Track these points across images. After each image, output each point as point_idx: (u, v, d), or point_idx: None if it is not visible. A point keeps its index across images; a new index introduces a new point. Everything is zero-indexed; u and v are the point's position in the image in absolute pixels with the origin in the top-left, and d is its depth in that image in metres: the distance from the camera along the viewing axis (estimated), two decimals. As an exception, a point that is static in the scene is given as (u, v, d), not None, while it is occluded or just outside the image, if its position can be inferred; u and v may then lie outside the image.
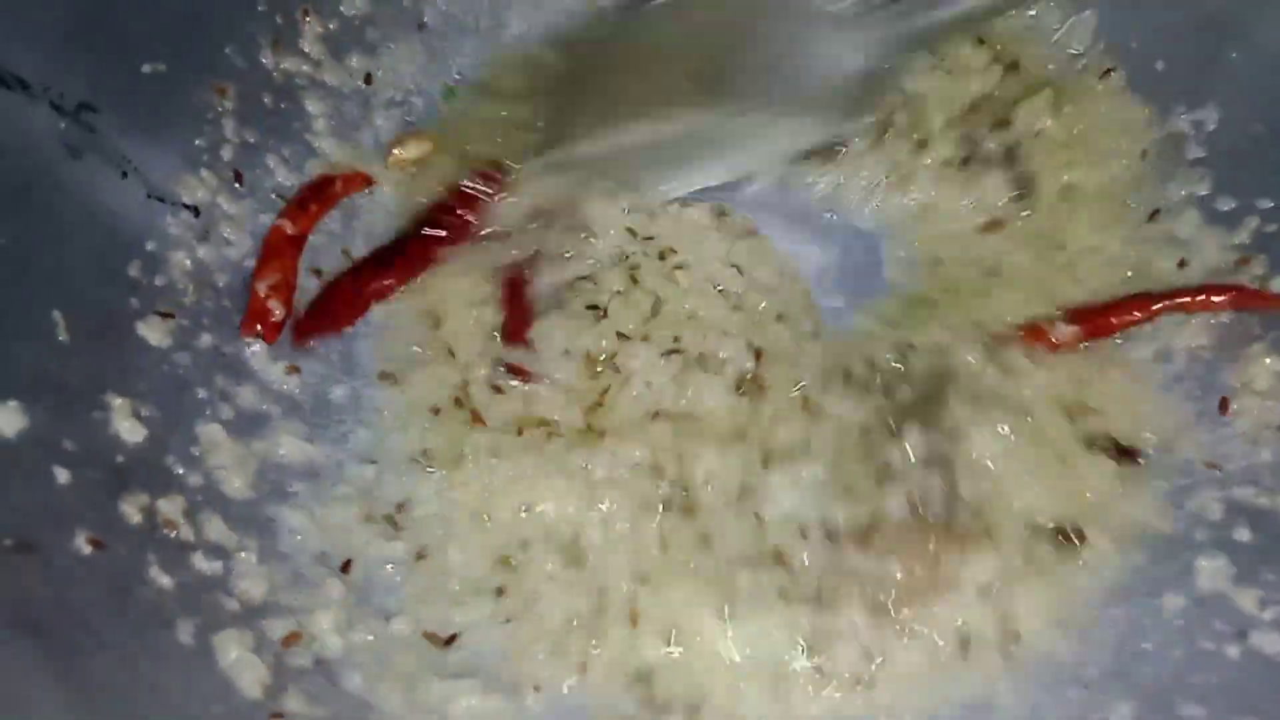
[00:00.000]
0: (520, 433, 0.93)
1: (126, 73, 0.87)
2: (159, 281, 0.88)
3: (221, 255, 0.93)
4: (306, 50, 1.01)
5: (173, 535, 0.79)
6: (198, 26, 0.92)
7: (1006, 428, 0.90)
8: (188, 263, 0.90)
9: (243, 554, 0.82)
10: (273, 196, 0.98)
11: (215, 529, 0.81)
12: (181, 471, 0.82)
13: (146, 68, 0.89)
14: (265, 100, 0.98)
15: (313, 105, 1.02)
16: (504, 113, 1.06)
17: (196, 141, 0.93)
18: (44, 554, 0.70)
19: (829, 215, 1.04)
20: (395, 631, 0.86)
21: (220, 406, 0.88)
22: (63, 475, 0.74)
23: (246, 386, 0.91)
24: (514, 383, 0.95)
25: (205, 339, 0.89)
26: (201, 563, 0.79)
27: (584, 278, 0.99)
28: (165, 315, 0.87)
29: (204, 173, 0.93)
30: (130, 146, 0.87)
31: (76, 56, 0.83)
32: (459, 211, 0.99)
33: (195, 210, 0.92)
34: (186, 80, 0.92)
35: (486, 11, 1.11)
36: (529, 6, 1.12)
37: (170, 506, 0.79)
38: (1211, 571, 0.85)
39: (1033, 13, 1.05)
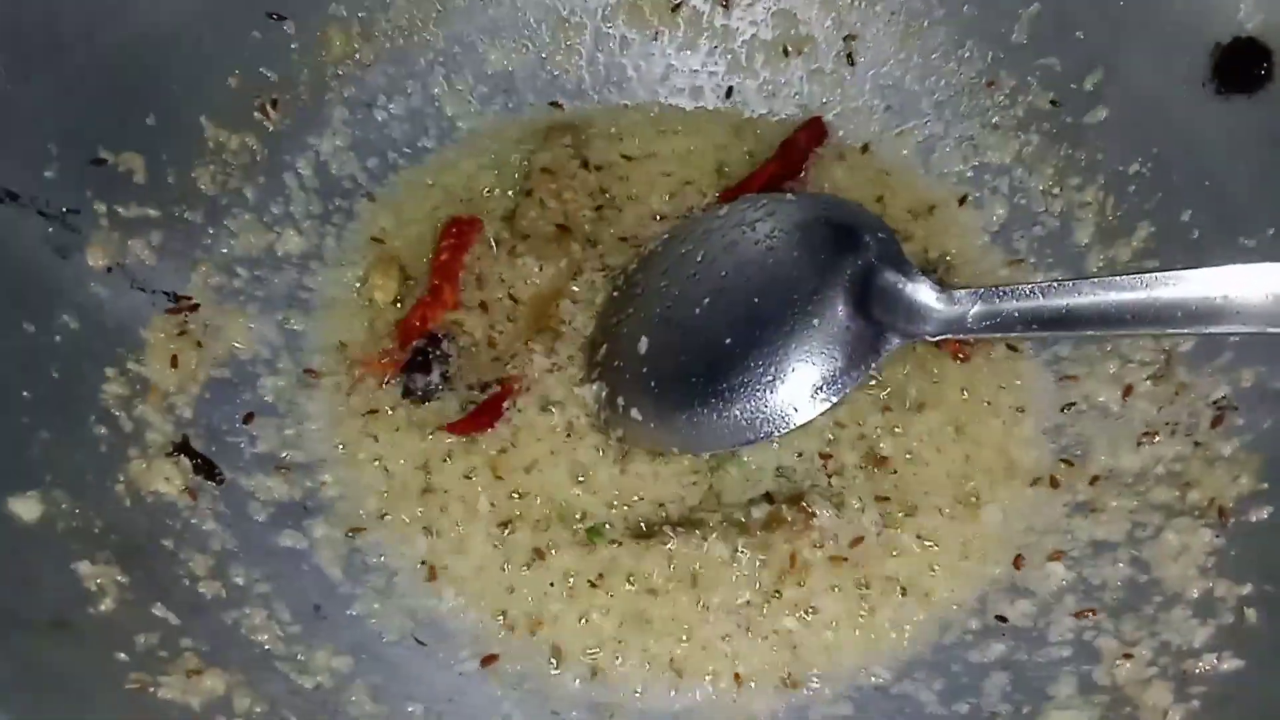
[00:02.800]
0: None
1: (106, 176, 0.94)
2: (146, 374, 0.94)
3: (201, 346, 0.99)
4: (273, 131, 1.08)
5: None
6: (172, 121, 0.99)
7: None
8: (171, 347, 0.96)
9: (259, 586, 0.89)
10: (242, 273, 1.05)
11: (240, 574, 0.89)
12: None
13: (121, 168, 0.95)
14: (241, 189, 1.05)
15: (290, 183, 1.09)
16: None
17: (175, 230, 0.99)
18: (76, 630, 0.75)
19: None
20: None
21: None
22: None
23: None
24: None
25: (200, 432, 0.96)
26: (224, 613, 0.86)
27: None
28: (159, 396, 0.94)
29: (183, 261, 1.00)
30: (112, 242, 0.94)
31: (59, 164, 0.90)
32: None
33: (174, 296, 0.99)
34: (162, 174, 0.99)
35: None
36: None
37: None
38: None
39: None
